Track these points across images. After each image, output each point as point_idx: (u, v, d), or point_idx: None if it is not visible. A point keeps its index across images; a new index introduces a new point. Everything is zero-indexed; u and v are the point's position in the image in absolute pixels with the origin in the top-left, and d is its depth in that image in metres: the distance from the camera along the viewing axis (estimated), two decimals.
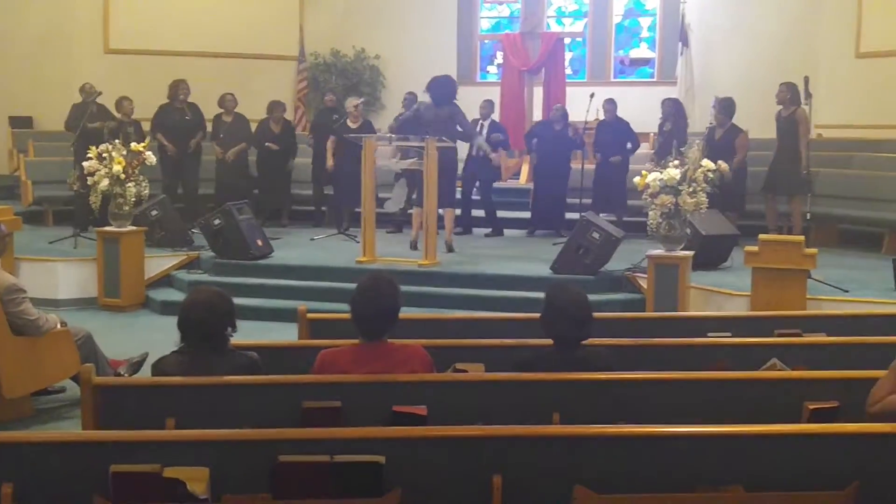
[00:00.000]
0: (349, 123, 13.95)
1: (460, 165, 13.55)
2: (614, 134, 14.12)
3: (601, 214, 12.84)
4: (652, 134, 15.08)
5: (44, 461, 4.01)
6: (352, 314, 4.97)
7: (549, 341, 5.20)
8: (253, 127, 14.89)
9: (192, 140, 14.36)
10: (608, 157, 14.05)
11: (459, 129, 12.08)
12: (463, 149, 13.27)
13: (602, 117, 14.21)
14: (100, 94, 13.63)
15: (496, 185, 14.96)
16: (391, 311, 5.02)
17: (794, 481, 4.15)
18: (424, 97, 12.37)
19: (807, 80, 12.07)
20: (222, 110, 14.69)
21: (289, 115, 16.55)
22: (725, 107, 13.16)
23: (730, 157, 12.13)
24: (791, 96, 12.76)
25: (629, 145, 14.16)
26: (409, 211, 12.73)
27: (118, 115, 14.01)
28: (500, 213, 14.63)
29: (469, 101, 14.34)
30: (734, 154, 12.71)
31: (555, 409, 4.78)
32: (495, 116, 15.18)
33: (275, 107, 14.95)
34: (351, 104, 14.33)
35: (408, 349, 5.06)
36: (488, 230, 14.36)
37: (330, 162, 14.34)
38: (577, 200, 13.38)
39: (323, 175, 14.82)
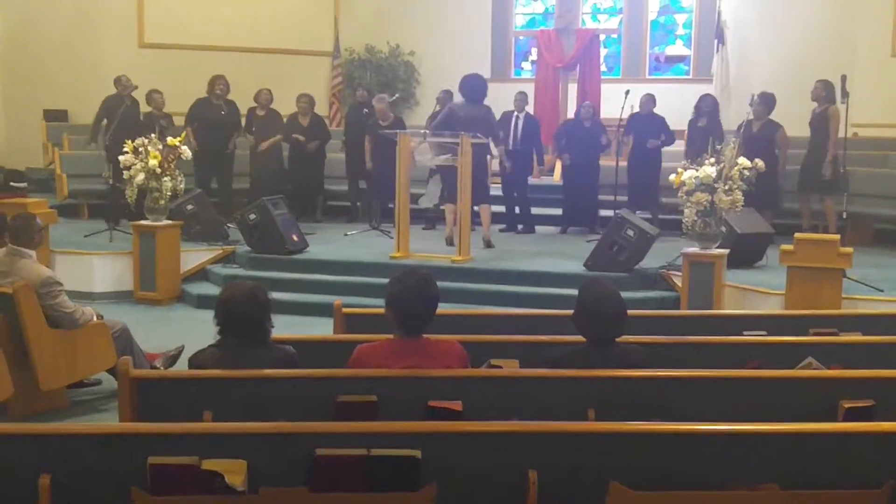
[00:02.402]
0: (380, 122, 13.96)
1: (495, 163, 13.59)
2: (648, 128, 14.05)
3: (637, 212, 12.81)
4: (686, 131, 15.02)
5: (81, 453, 4.03)
6: (396, 310, 4.96)
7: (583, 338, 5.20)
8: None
9: (231, 140, 14.43)
10: (641, 151, 13.99)
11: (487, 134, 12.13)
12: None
13: (636, 111, 14.16)
14: (135, 87, 13.73)
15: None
16: (435, 306, 5.04)
17: (829, 480, 4.14)
18: (458, 95, 12.41)
19: (843, 78, 12.01)
20: (256, 105, 14.74)
21: (323, 111, 16.57)
22: (766, 100, 13.11)
23: (767, 151, 12.09)
24: (826, 94, 12.70)
25: (662, 137, 14.10)
26: (442, 207, 12.73)
27: (149, 109, 14.11)
28: (533, 210, 14.59)
29: (504, 98, 14.36)
30: (770, 148, 12.66)
31: (589, 405, 4.78)
32: (530, 109, 15.13)
33: (301, 99, 14.98)
34: (378, 107, 14.32)
35: (444, 344, 5.07)
36: (520, 226, 14.34)
37: (369, 163, 14.34)
38: (612, 197, 13.35)
39: (357, 170, 14.84)
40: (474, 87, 12.09)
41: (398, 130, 12.13)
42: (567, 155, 14.16)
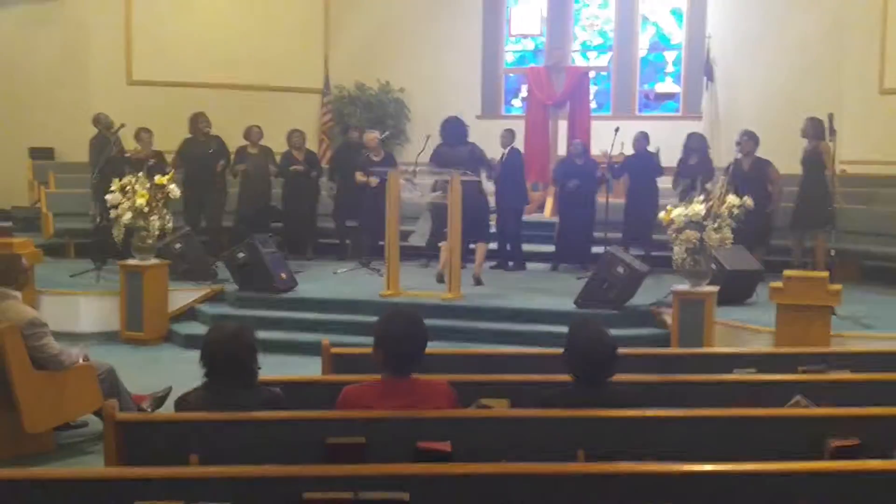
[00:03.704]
0: (372, 157, 13.95)
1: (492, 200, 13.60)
2: (644, 168, 14.07)
3: (631, 249, 12.81)
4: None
5: (66, 498, 4.01)
6: (384, 350, 4.93)
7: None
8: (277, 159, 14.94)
9: (218, 164, 14.40)
10: (638, 191, 14.00)
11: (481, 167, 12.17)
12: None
13: (630, 151, 14.16)
14: (122, 126, 13.52)
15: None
16: (424, 346, 5.03)
17: None
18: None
19: (831, 116, 12.05)
20: (248, 143, 14.73)
21: (313, 148, 16.56)
22: (753, 136, 13.15)
23: (760, 188, 12.12)
24: (814, 131, 12.77)
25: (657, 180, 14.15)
26: (441, 244, 12.71)
27: (137, 147, 14.09)
28: (525, 247, 14.57)
29: (495, 134, 14.37)
30: (763, 185, 12.69)
31: (580, 445, 4.75)
32: (520, 146, 15.11)
33: (293, 135, 14.98)
34: (369, 137, 14.31)
35: (432, 385, 5.04)
36: (511, 263, 14.32)
37: (373, 181, 14.00)
38: (603, 234, 13.35)
39: (345, 209, 14.81)
40: (453, 130, 12.14)
41: (388, 169, 12.13)
42: (576, 181, 14.04)
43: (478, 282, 12.30)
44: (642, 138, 14.20)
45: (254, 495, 4.01)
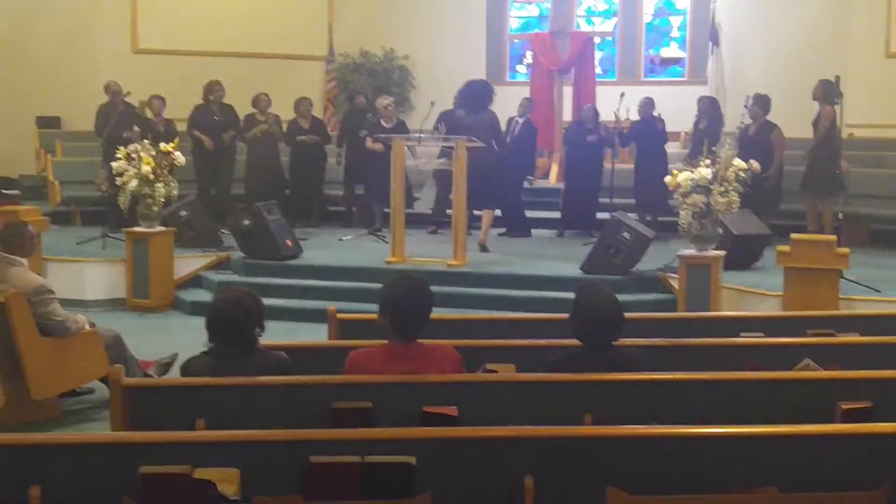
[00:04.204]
0: (383, 123, 13.90)
1: None
2: (651, 133, 14.02)
3: (647, 216, 12.77)
4: (683, 133, 14.99)
5: (72, 463, 4.00)
6: (390, 315, 4.91)
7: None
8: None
9: (225, 135, 14.36)
10: (646, 157, 13.95)
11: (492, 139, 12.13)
12: None
13: (636, 116, 14.09)
14: (128, 93, 13.64)
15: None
16: (430, 311, 5.02)
17: (827, 482, 4.12)
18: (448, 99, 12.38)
19: (837, 79, 11.99)
20: (255, 110, 14.67)
21: (317, 115, 16.50)
22: (761, 102, 13.05)
23: (765, 153, 12.06)
24: (823, 94, 12.67)
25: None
26: (448, 211, 12.66)
27: (148, 115, 14.05)
28: (529, 214, 14.55)
29: (498, 101, 14.27)
30: (768, 150, 12.63)
31: (586, 409, 4.75)
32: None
33: (301, 102, 14.92)
34: (382, 103, 14.28)
35: (439, 349, 5.03)
36: (515, 231, 14.29)
37: (379, 146, 13.99)
38: (608, 200, 13.31)
39: (354, 175, 14.78)
40: (478, 95, 12.04)
41: (397, 135, 12.08)
42: (593, 136, 13.96)
43: (483, 248, 12.26)
44: (648, 104, 14.12)
45: (260, 460, 4.01)
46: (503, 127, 13.54)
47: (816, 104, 12.80)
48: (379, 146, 13.18)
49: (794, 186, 13.03)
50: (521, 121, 14.23)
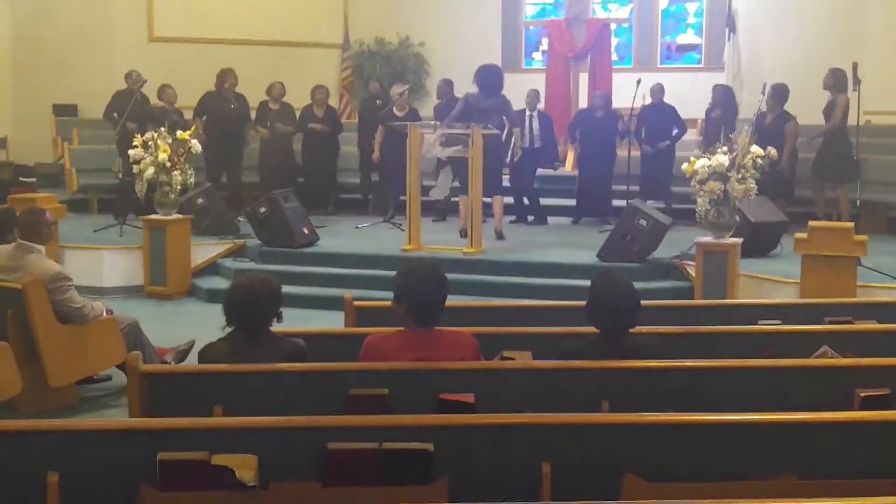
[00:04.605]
0: (395, 112, 13.91)
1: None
2: (660, 119, 14.02)
3: (649, 202, 12.75)
4: (700, 120, 14.94)
5: (90, 449, 4.02)
6: (408, 302, 4.90)
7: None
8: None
9: (245, 133, 14.44)
10: (654, 142, 13.95)
11: (507, 121, 12.10)
12: None
13: (648, 101, 14.07)
14: (145, 82, 13.68)
15: (541, 172, 14.86)
16: (446, 297, 5.02)
17: (845, 469, 4.11)
18: (464, 86, 12.34)
19: (855, 66, 11.94)
20: (269, 98, 14.69)
21: (333, 103, 16.50)
22: (778, 92, 13.00)
23: (779, 143, 12.01)
24: (834, 83, 12.66)
25: (675, 131, 14.07)
26: (454, 199, 12.65)
27: (161, 103, 14.08)
28: (545, 201, 14.53)
29: (514, 88, 14.26)
30: (784, 140, 12.58)
31: (603, 397, 4.75)
32: (541, 105, 15.06)
33: (317, 90, 14.94)
34: (396, 91, 14.29)
35: (456, 335, 5.03)
36: (531, 218, 14.28)
37: (376, 153, 14.32)
38: (625, 187, 13.29)
39: (370, 163, 14.81)
40: (491, 78, 12.00)
41: (411, 122, 12.09)
42: (578, 144, 14.05)
43: (500, 236, 12.25)
44: (658, 90, 14.10)
45: (278, 446, 4.01)
46: None
47: (827, 93, 12.78)
48: (376, 153, 13.67)
49: (807, 173, 13.01)
50: (534, 114, 14.19)
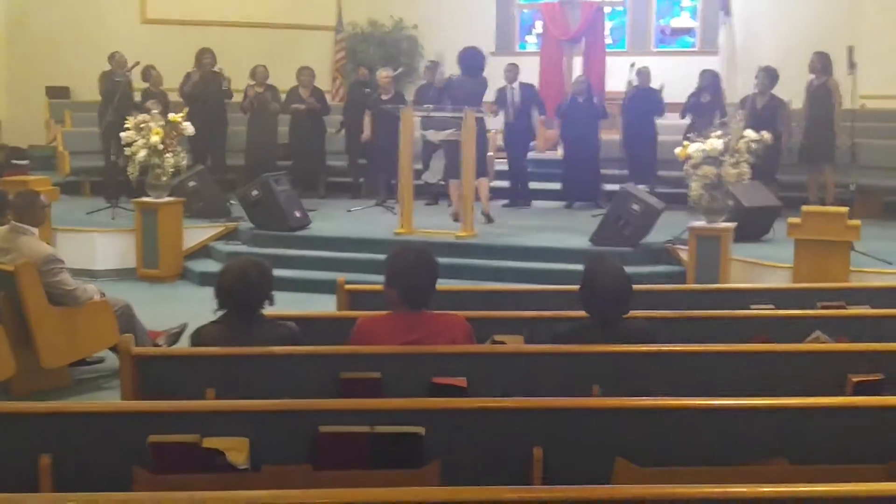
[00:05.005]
0: (382, 96, 13.90)
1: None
2: (644, 103, 14.03)
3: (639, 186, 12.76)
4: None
5: (82, 432, 4.01)
6: (399, 285, 4.90)
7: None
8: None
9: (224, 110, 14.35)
10: (638, 126, 13.95)
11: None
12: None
13: (635, 84, 14.08)
14: (136, 64, 13.54)
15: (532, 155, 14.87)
16: (436, 279, 5.02)
17: (837, 454, 4.10)
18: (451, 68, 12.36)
19: (851, 49, 11.94)
20: (254, 82, 14.61)
21: (326, 86, 16.46)
22: (771, 74, 13.03)
23: (771, 127, 12.01)
24: (822, 66, 12.70)
25: (656, 118, 14.11)
26: (442, 182, 12.63)
27: (146, 85, 14.01)
28: (536, 185, 14.52)
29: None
30: (776, 124, 12.59)
31: (594, 381, 4.74)
32: (535, 82, 15.01)
33: (302, 72, 14.90)
34: (382, 75, 14.26)
35: (448, 318, 5.03)
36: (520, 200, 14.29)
37: (366, 133, 14.27)
38: (615, 171, 13.29)
39: (356, 147, 14.79)
40: (471, 59, 12.01)
41: (399, 105, 12.09)
42: (555, 131, 14.05)
43: (489, 219, 12.24)
44: (644, 74, 14.10)
45: (269, 429, 4.01)
46: (492, 97, 13.72)
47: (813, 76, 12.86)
48: (367, 133, 13.93)
49: (792, 159, 13.05)
50: (515, 86, 14.15)
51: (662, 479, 3.84)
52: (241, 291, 4.99)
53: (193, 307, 8.62)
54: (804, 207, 9.33)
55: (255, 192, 11.83)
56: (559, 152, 16.07)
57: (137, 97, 14.01)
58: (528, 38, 20.47)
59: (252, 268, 5.07)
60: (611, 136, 14.13)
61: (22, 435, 3.98)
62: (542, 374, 4.85)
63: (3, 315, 6.97)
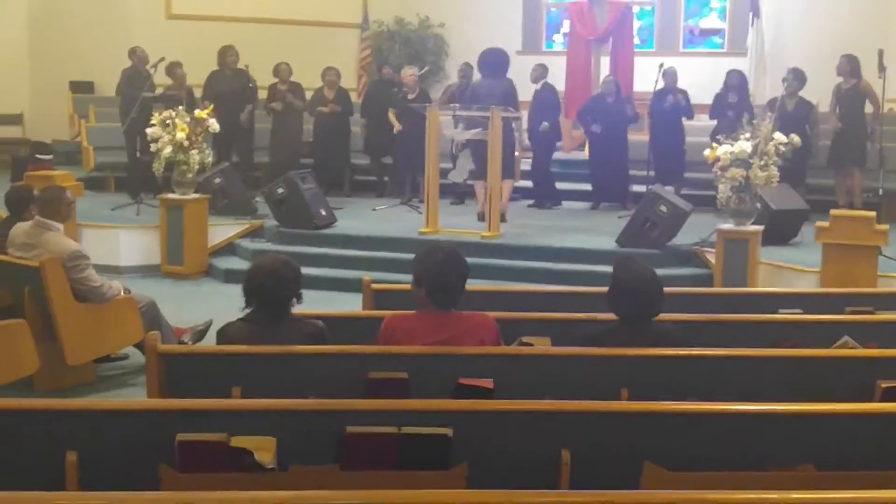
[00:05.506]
0: (407, 95, 13.88)
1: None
2: (671, 105, 13.96)
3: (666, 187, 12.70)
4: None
5: (109, 429, 4.01)
6: (427, 284, 4.89)
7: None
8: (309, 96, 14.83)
9: (243, 112, 14.26)
10: (663, 127, 13.87)
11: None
12: None
13: (661, 86, 14.01)
14: (161, 60, 13.46)
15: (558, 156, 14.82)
16: (466, 278, 5.00)
17: (865, 461, 4.09)
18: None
19: (881, 53, 11.84)
20: (277, 80, 14.59)
21: (351, 84, 16.43)
22: (799, 76, 12.96)
23: (801, 130, 11.95)
24: (851, 69, 12.64)
25: (684, 119, 14.03)
26: (469, 182, 12.59)
27: (170, 82, 14.01)
28: (562, 185, 14.47)
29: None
30: (804, 126, 12.52)
31: (623, 385, 4.73)
32: (560, 82, 14.94)
33: (327, 72, 14.83)
34: (407, 74, 14.22)
35: (477, 318, 5.02)
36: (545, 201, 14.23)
37: (398, 126, 14.13)
38: (644, 173, 13.23)
39: (379, 146, 14.77)
40: (494, 61, 11.99)
41: (425, 104, 12.07)
42: (598, 124, 13.94)
43: (502, 218, 12.19)
44: (670, 75, 14.02)
45: (296, 429, 4.00)
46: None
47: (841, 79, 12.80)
48: (397, 126, 13.70)
49: (821, 162, 12.98)
50: (538, 86, 14.11)
51: (692, 483, 3.83)
52: (273, 289, 4.98)
53: (218, 304, 8.65)
54: (833, 211, 9.28)
55: (280, 190, 11.83)
56: (587, 152, 16.04)
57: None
58: (555, 37, 20.41)
59: (283, 266, 5.07)
60: (638, 137, 14.01)
61: (48, 432, 3.98)
62: (570, 377, 4.83)
63: (28, 310, 6.98)
